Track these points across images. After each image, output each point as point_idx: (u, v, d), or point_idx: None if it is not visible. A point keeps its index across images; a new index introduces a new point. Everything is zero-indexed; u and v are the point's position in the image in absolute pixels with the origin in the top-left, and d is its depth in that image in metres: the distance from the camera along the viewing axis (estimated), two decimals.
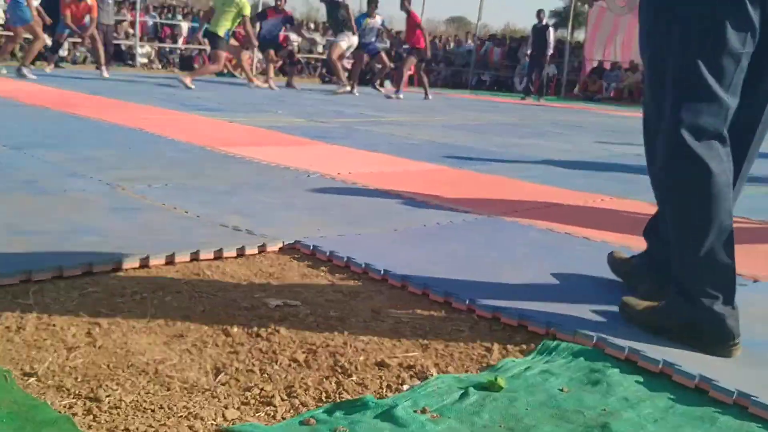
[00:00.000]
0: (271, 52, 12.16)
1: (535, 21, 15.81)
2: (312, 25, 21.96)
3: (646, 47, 1.69)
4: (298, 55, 19.64)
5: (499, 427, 1.26)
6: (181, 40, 18.89)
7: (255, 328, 1.63)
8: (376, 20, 12.53)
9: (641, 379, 1.50)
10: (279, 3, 11.99)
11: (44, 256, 1.98)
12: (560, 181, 4.07)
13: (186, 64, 17.69)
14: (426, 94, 12.80)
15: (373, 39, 12.75)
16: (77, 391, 1.29)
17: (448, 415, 1.29)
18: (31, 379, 1.32)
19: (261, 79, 11.13)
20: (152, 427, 1.18)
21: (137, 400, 1.27)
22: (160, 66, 17.60)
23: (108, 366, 1.40)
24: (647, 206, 3.44)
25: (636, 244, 2.55)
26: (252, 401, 1.30)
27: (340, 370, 1.46)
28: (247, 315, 1.71)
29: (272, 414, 1.27)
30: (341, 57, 12.53)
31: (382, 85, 13.99)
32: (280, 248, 2.29)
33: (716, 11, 1.56)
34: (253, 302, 1.79)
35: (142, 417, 1.21)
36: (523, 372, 1.49)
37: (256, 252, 2.22)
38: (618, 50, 20.98)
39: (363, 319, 1.75)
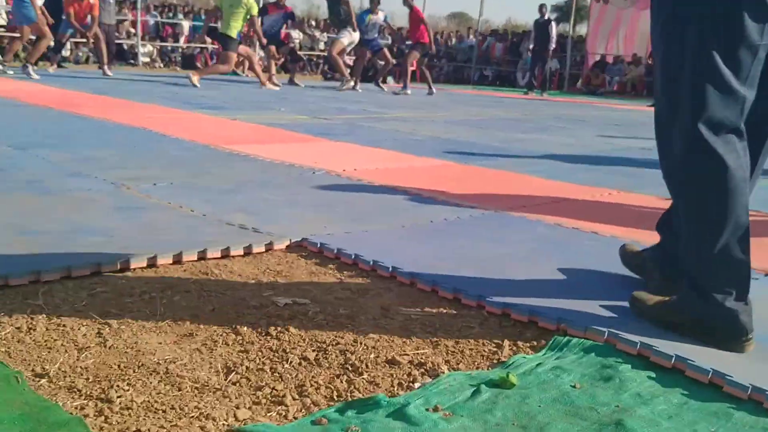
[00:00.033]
0: (273, 48, 12.15)
1: (537, 16, 15.77)
2: (313, 23, 21.93)
3: (659, 41, 1.67)
4: (300, 52, 19.65)
5: (512, 425, 1.25)
6: (182, 39, 18.89)
7: (264, 327, 1.62)
8: (379, 16, 12.51)
9: (653, 375, 1.49)
10: None
11: (51, 256, 1.97)
12: (566, 176, 4.05)
13: (188, 62, 17.69)
14: (430, 88, 12.81)
15: (376, 35, 12.73)
16: (88, 392, 1.28)
17: (461, 414, 1.28)
18: (43, 380, 1.32)
19: (266, 78, 11.11)
20: (164, 428, 1.18)
21: (148, 401, 1.26)
22: (162, 65, 17.59)
23: (119, 366, 1.39)
24: (654, 200, 3.43)
25: (644, 238, 2.54)
26: (263, 401, 1.30)
27: (350, 369, 1.45)
28: (256, 313, 1.70)
29: (284, 413, 1.26)
30: (342, 53, 12.53)
31: (384, 81, 13.99)
32: (287, 246, 2.28)
33: (735, 2, 1.54)
34: (261, 301, 1.79)
35: (154, 418, 1.21)
36: (534, 368, 1.48)
37: (263, 250, 2.22)
38: (621, 44, 20.95)
39: (372, 316, 1.74)
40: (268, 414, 1.25)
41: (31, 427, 1.15)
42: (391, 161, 4.24)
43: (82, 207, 2.58)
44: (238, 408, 1.26)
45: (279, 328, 1.62)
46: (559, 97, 16.35)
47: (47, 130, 4.66)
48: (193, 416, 1.22)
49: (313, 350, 1.52)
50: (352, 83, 12.47)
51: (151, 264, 1.99)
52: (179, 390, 1.31)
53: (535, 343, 1.64)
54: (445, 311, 1.81)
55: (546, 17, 15.68)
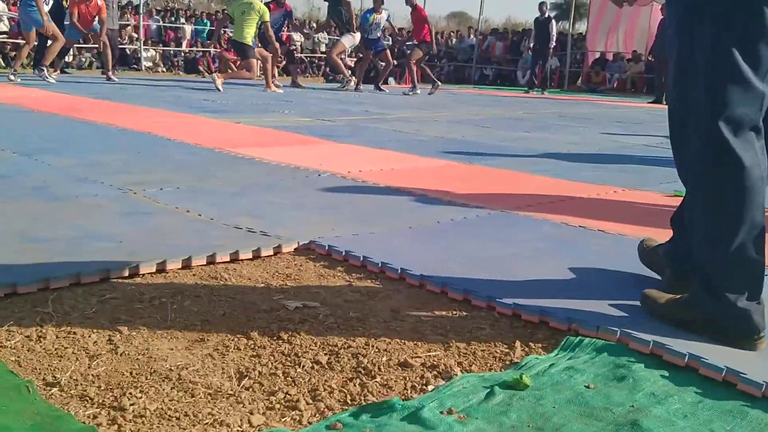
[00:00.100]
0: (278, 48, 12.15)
1: (537, 14, 15.77)
2: (314, 25, 21.93)
3: (675, 36, 1.66)
4: (301, 54, 19.66)
5: (527, 427, 1.25)
6: (185, 44, 18.90)
7: (276, 331, 1.62)
8: (382, 15, 12.49)
9: (667, 374, 1.48)
10: None
11: (60, 262, 1.97)
12: (570, 174, 4.05)
13: (190, 67, 17.71)
14: (434, 83, 12.81)
15: (379, 35, 12.72)
16: (101, 400, 1.28)
17: (475, 416, 1.27)
18: (54, 389, 1.31)
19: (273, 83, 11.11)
20: None
21: (162, 408, 1.26)
22: (164, 69, 17.61)
23: (131, 373, 1.39)
24: (660, 197, 3.43)
25: (653, 236, 2.53)
26: (277, 406, 1.29)
27: (363, 372, 1.45)
28: (267, 318, 1.70)
29: (298, 419, 1.25)
30: (341, 54, 12.54)
31: (385, 83, 13.99)
32: (295, 249, 2.28)
33: None
34: (272, 304, 1.78)
35: (168, 425, 1.20)
36: (547, 369, 1.47)
37: (272, 253, 2.21)
38: (620, 40, 20.94)
39: (383, 319, 1.73)
40: (283, 419, 1.25)
41: None
42: (396, 162, 4.24)
43: (89, 213, 2.58)
44: (252, 413, 1.26)
45: (290, 332, 1.62)
46: (559, 95, 16.33)
47: (52, 136, 4.66)
48: (207, 423, 1.22)
49: (325, 354, 1.52)
50: (353, 83, 12.47)
51: (161, 269, 1.99)
52: (192, 396, 1.31)
53: (546, 343, 1.63)
54: (455, 313, 1.80)
55: (546, 15, 15.67)
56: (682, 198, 3.27)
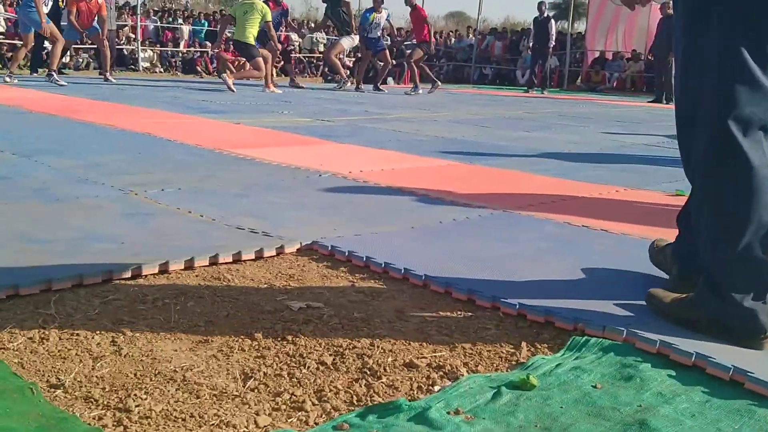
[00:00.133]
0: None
1: (536, 13, 15.76)
2: (312, 25, 21.92)
3: (682, 35, 1.66)
4: (299, 54, 19.65)
5: (535, 427, 1.24)
6: (182, 44, 18.89)
7: (280, 332, 1.61)
8: (382, 15, 12.50)
9: (674, 373, 1.48)
10: None
11: (61, 264, 1.96)
12: (572, 174, 4.04)
13: (188, 67, 17.69)
14: (434, 82, 12.82)
15: (379, 34, 12.72)
16: (106, 402, 1.27)
17: (483, 416, 1.27)
18: (58, 391, 1.30)
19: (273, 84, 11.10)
20: None
21: (167, 409, 1.25)
22: (162, 70, 17.59)
23: (135, 375, 1.38)
24: (663, 197, 3.42)
25: (654, 235, 2.52)
26: (283, 407, 1.28)
27: (369, 372, 1.44)
28: (270, 318, 1.69)
29: (304, 419, 1.25)
30: (339, 54, 12.55)
31: (384, 83, 13.99)
32: (297, 249, 2.27)
33: None
34: (275, 305, 1.78)
35: (174, 426, 1.20)
36: (554, 369, 1.46)
37: (275, 254, 2.21)
38: (619, 40, 20.95)
39: (387, 319, 1.73)
40: (289, 420, 1.24)
41: None
42: (397, 162, 4.23)
43: (90, 214, 2.57)
44: (258, 414, 1.25)
45: (294, 333, 1.61)
46: (559, 94, 16.33)
47: (51, 137, 4.65)
48: (213, 424, 1.21)
49: (330, 354, 1.51)
50: (350, 83, 12.47)
51: (163, 270, 1.98)
52: (198, 397, 1.30)
53: (552, 343, 1.63)
54: (459, 313, 1.79)
55: (545, 15, 15.67)
56: (684, 197, 3.27)
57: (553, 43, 16.13)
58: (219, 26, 13.47)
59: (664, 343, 1.55)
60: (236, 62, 15.79)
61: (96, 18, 10.92)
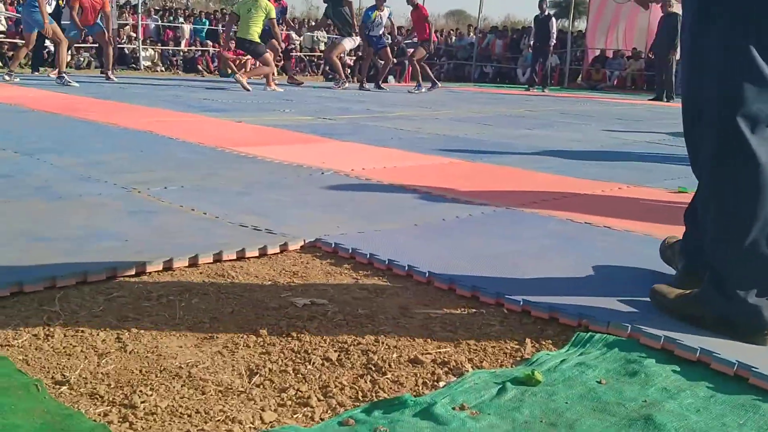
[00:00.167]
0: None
1: (536, 12, 15.77)
2: (313, 23, 21.92)
3: (689, 33, 1.65)
4: (300, 53, 19.64)
5: (540, 423, 1.24)
6: (183, 43, 18.89)
7: (285, 328, 1.61)
8: (384, 13, 12.52)
9: (678, 369, 1.48)
10: None
11: (65, 261, 1.96)
12: (574, 171, 4.04)
13: (189, 66, 17.69)
14: (434, 83, 12.84)
15: (381, 32, 12.74)
16: (111, 398, 1.27)
17: (488, 412, 1.27)
18: (63, 388, 1.30)
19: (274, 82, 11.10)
20: None
21: (173, 405, 1.25)
22: (163, 69, 17.60)
23: (140, 371, 1.38)
24: (665, 193, 3.42)
25: (658, 232, 2.53)
26: (288, 402, 1.29)
27: (374, 368, 1.44)
28: (275, 315, 1.69)
29: (310, 415, 1.25)
30: (340, 54, 12.58)
31: (385, 81, 14.00)
32: (301, 246, 2.27)
33: None
34: (280, 302, 1.78)
35: (180, 422, 1.20)
36: (559, 365, 1.47)
37: (278, 251, 2.21)
38: (620, 38, 20.94)
39: (392, 315, 1.73)
40: (294, 416, 1.24)
41: None
42: (399, 160, 4.23)
43: (93, 212, 2.57)
44: (263, 410, 1.25)
45: (299, 329, 1.61)
46: (560, 92, 16.32)
47: (53, 136, 4.65)
48: (219, 420, 1.21)
49: (335, 351, 1.51)
50: (347, 84, 12.49)
51: (167, 267, 1.98)
52: (203, 393, 1.30)
53: (556, 339, 1.63)
54: (464, 310, 1.79)
55: (546, 13, 15.68)
56: (687, 194, 3.28)
57: (554, 42, 16.14)
58: (225, 26, 13.50)
59: (669, 339, 1.55)
60: (237, 61, 15.79)
61: (99, 15, 10.89)
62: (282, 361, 1.45)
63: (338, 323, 1.66)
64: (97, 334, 1.54)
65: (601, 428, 1.22)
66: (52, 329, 1.56)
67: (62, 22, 10.96)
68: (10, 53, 13.94)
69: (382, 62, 13.17)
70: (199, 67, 17.53)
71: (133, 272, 1.93)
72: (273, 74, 11.64)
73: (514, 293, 1.83)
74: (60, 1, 11.62)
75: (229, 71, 15.75)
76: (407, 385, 1.38)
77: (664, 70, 13.66)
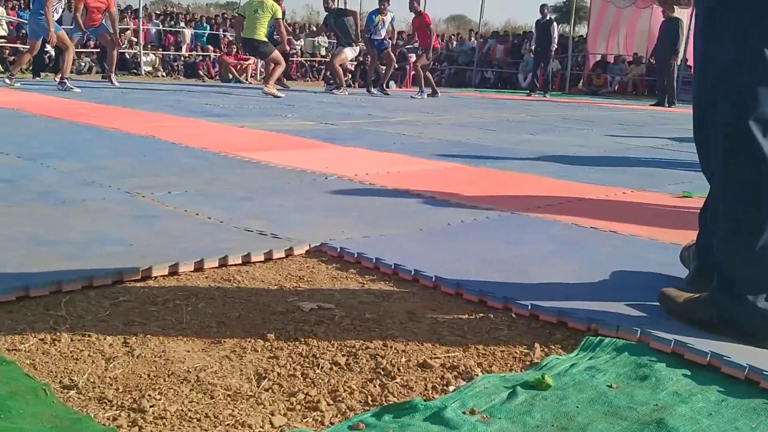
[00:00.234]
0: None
1: (537, 17, 15.80)
2: (314, 28, 21.93)
3: (701, 35, 1.65)
4: (301, 59, 19.65)
5: (551, 426, 1.23)
6: (184, 48, 18.89)
7: (292, 332, 1.60)
8: (387, 17, 12.57)
9: (689, 373, 1.47)
10: None
11: (71, 266, 1.95)
12: (578, 176, 4.04)
13: (190, 71, 17.70)
14: (434, 92, 12.86)
15: (383, 35, 12.78)
16: (120, 402, 1.26)
17: (499, 416, 1.26)
18: (72, 392, 1.30)
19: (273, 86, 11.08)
20: None
21: (182, 410, 1.24)
22: (164, 74, 17.60)
23: (148, 375, 1.37)
24: (670, 198, 3.42)
25: (665, 237, 2.53)
26: (298, 407, 1.28)
27: (383, 372, 1.43)
28: (282, 319, 1.69)
29: (320, 419, 1.24)
30: (342, 62, 12.63)
31: (388, 86, 14.02)
32: (306, 251, 2.26)
33: None
34: (287, 306, 1.77)
35: (189, 426, 1.19)
36: (569, 369, 1.46)
37: (284, 255, 2.20)
38: (621, 43, 20.94)
39: (399, 320, 1.72)
40: (304, 420, 1.23)
41: None
42: (402, 165, 4.23)
43: (98, 216, 2.56)
44: (273, 414, 1.24)
45: (307, 334, 1.60)
46: (561, 98, 16.34)
47: (56, 141, 4.65)
48: (228, 424, 1.20)
49: (343, 355, 1.50)
50: (347, 92, 12.52)
51: (173, 272, 1.98)
52: (212, 398, 1.29)
53: (565, 344, 1.62)
54: (471, 314, 1.79)
55: (547, 18, 15.70)
56: (691, 198, 3.27)
57: (556, 47, 16.17)
58: (234, 29, 13.53)
59: (679, 343, 1.55)
60: (238, 66, 15.81)
61: (103, 17, 10.87)
62: (290, 365, 1.45)
63: (346, 327, 1.66)
64: (104, 339, 1.54)
65: None
66: (58, 333, 1.55)
67: (64, 26, 10.95)
68: (11, 58, 13.94)
69: (385, 66, 13.19)
70: (200, 72, 17.54)
71: (138, 277, 1.92)
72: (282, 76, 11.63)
73: (522, 297, 1.82)
74: (69, 10, 11.61)
75: (230, 76, 15.78)
76: (417, 389, 1.37)
77: (665, 76, 13.67)
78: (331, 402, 1.30)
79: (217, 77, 16.95)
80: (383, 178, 3.67)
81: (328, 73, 16.93)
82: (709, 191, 1.77)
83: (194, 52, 18.63)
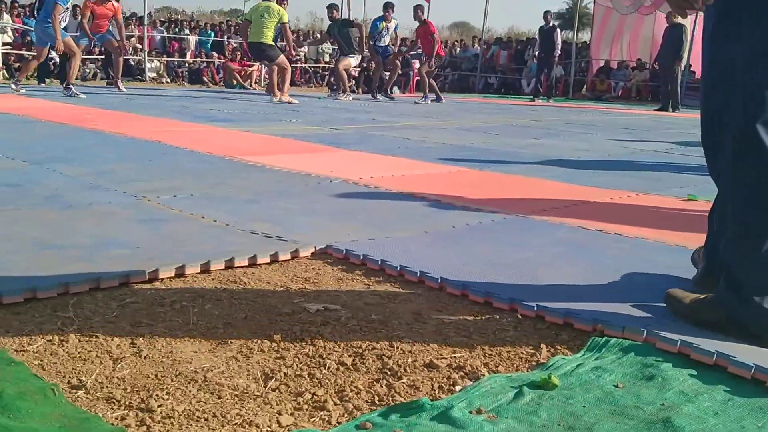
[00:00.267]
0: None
1: (541, 23, 15.82)
2: (318, 36, 21.97)
3: (709, 39, 1.65)
4: (305, 65, 19.69)
5: (558, 426, 1.24)
6: (189, 54, 18.94)
7: (299, 333, 1.61)
8: (392, 25, 12.64)
9: (695, 372, 1.47)
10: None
11: (78, 268, 1.96)
12: (583, 179, 4.04)
13: (195, 77, 17.74)
14: (438, 97, 12.90)
15: (387, 42, 12.85)
16: (128, 402, 1.27)
17: (505, 416, 1.26)
18: (80, 392, 1.30)
19: (279, 93, 11.09)
20: None
21: (189, 409, 1.25)
22: (168, 80, 17.65)
23: (156, 376, 1.38)
24: (675, 201, 3.42)
25: (671, 239, 2.53)
26: (305, 406, 1.28)
27: (389, 373, 1.43)
28: (288, 320, 1.69)
29: (327, 419, 1.24)
30: (347, 68, 12.69)
31: (392, 91, 14.07)
32: (312, 253, 2.27)
33: None
34: (293, 307, 1.77)
35: (196, 426, 1.19)
36: (575, 369, 1.46)
37: (290, 257, 2.21)
38: (624, 49, 20.94)
39: (405, 321, 1.72)
40: (311, 419, 1.24)
41: None
42: (407, 169, 4.23)
43: (104, 220, 2.57)
44: (280, 414, 1.24)
45: (313, 334, 1.61)
46: (565, 103, 16.34)
47: (61, 146, 4.67)
48: (236, 423, 1.20)
49: (350, 355, 1.51)
50: (351, 97, 12.56)
51: (180, 274, 1.98)
52: (219, 398, 1.30)
53: (571, 344, 1.62)
54: (477, 315, 1.79)
55: (551, 24, 15.73)
56: (697, 201, 3.27)
57: (559, 52, 16.18)
58: (240, 34, 13.59)
59: (685, 343, 1.55)
60: (242, 72, 15.85)
61: (110, 24, 10.91)
62: (297, 365, 1.45)
63: (352, 328, 1.66)
64: (112, 340, 1.54)
65: (620, 431, 1.22)
66: (66, 334, 1.56)
67: (70, 33, 10.98)
68: (17, 64, 13.99)
69: (389, 71, 13.23)
70: (205, 79, 17.58)
71: (145, 279, 1.93)
72: (277, 83, 11.65)
73: (528, 299, 1.82)
74: (75, 17, 11.65)
75: (235, 82, 15.82)
76: (423, 389, 1.38)
77: (669, 81, 13.67)
78: (338, 402, 1.30)
79: (222, 83, 17.00)
80: (388, 181, 3.68)
81: (332, 78, 16.99)
82: (716, 195, 1.77)
83: (198, 59, 18.66)
